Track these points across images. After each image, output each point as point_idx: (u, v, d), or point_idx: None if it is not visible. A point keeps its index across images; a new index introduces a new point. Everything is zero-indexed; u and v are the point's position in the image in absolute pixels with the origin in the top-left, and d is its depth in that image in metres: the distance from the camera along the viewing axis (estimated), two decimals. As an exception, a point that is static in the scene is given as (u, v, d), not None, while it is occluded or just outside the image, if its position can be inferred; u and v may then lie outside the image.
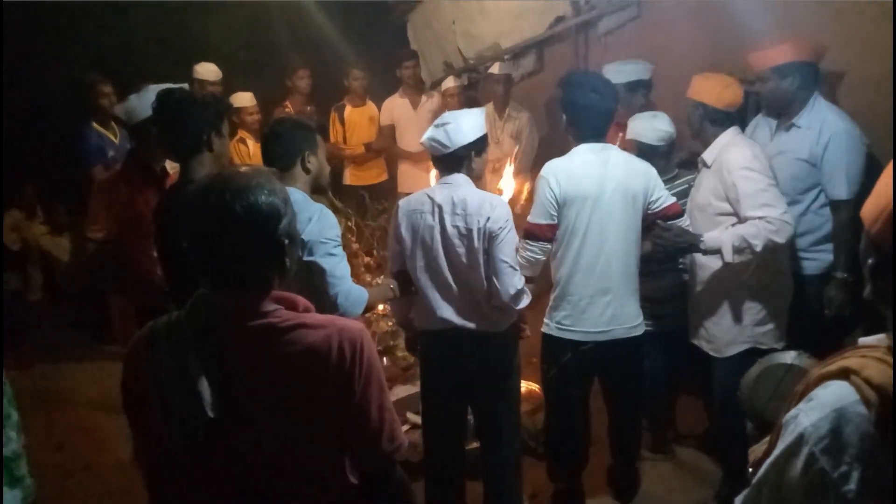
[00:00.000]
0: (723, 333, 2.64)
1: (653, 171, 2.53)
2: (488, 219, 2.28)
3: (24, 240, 5.65)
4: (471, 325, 2.40)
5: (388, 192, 5.05)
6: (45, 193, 5.77)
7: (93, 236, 2.57)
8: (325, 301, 2.04)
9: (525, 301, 2.41)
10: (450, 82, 5.02)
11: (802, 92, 2.60)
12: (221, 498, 1.27)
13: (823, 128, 2.58)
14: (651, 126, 2.83)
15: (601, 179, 2.40)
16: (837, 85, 2.88)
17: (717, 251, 2.41)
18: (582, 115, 2.46)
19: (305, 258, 2.01)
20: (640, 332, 2.53)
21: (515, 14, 5.11)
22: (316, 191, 2.30)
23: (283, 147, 2.17)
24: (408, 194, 5.67)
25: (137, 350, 1.26)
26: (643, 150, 2.78)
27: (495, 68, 4.75)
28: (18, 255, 5.63)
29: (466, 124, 2.36)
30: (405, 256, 2.43)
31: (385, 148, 5.37)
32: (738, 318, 2.59)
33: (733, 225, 2.46)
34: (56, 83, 4.70)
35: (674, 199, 2.55)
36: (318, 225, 2.05)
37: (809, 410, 0.94)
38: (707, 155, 2.63)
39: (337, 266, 2.07)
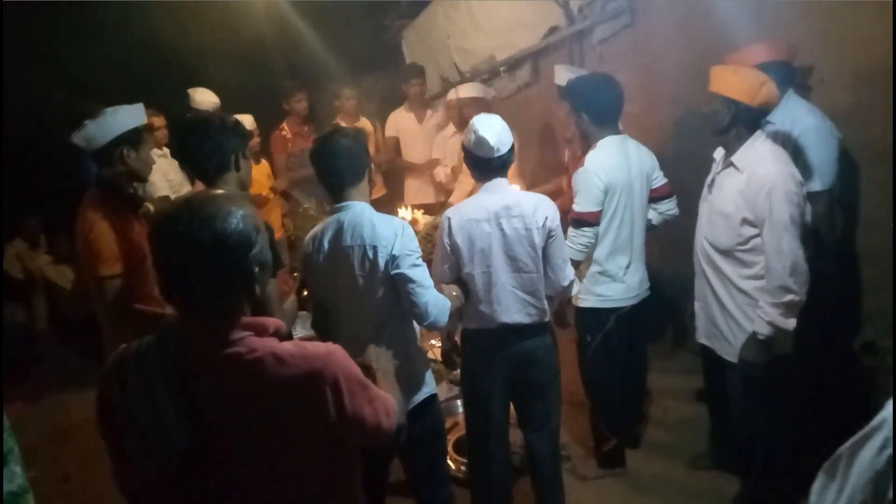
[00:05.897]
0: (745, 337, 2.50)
1: (653, 155, 2.90)
2: (546, 218, 2.40)
3: (28, 270, 5.66)
4: (524, 321, 2.47)
5: (386, 206, 5.02)
6: (47, 224, 5.80)
7: (105, 273, 2.31)
8: (414, 310, 2.14)
9: (576, 287, 2.64)
10: (467, 91, 4.54)
11: (777, 90, 2.61)
12: None
13: (794, 124, 2.66)
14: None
15: (629, 168, 2.78)
16: (810, 80, 2.95)
17: (776, 331, 2.33)
18: (605, 110, 2.80)
19: (392, 272, 2.10)
20: (649, 291, 2.99)
21: (509, 27, 5.13)
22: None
23: (355, 159, 2.18)
24: (416, 206, 5.65)
25: (110, 376, 1.23)
26: None
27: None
28: (22, 286, 5.65)
29: (506, 127, 2.42)
30: (462, 265, 2.47)
31: (389, 160, 5.38)
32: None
33: (753, 237, 2.39)
34: (55, 113, 4.72)
35: (665, 180, 2.95)
36: (403, 240, 2.13)
37: None
38: (738, 159, 2.43)
39: (423, 276, 2.14)
